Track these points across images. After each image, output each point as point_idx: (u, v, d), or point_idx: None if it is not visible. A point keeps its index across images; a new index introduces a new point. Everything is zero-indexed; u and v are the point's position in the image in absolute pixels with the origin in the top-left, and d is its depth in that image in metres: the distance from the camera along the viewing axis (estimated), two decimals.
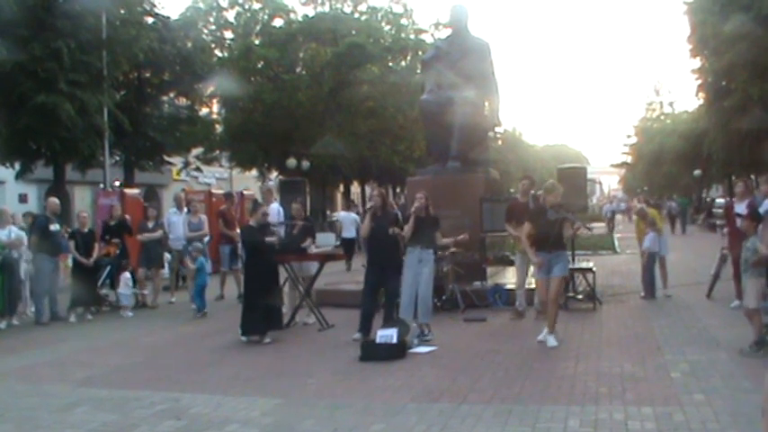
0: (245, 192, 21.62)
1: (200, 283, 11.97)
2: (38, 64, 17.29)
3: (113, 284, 12.76)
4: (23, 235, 11.78)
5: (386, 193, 10.33)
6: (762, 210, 9.20)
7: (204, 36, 32.58)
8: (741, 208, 9.78)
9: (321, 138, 29.58)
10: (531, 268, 10.29)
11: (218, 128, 32.45)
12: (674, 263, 13.35)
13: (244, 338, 9.26)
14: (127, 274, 12.55)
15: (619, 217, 44.32)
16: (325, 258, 10.32)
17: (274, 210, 9.96)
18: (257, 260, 9.32)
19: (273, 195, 12.15)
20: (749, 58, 22.22)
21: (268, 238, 9.50)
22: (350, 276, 15.32)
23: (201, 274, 12.02)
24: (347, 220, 20.77)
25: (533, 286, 10.01)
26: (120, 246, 12.88)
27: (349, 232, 20.19)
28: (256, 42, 32.80)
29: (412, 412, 5.75)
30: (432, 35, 35.91)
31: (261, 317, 9.12)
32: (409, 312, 8.82)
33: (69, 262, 12.78)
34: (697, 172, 42.89)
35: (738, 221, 9.45)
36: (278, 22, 34.79)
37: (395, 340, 7.90)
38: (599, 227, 34.00)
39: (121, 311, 12.24)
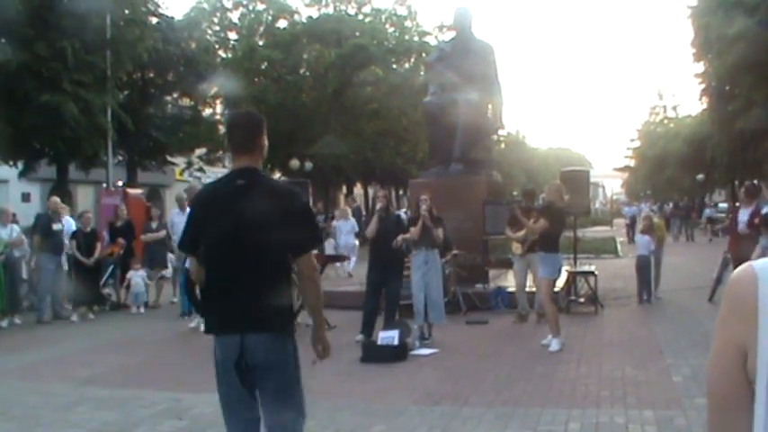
0: None
1: (184, 282, 11.84)
2: (42, 63, 17.31)
3: (115, 284, 12.79)
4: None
5: (389, 195, 10.31)
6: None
7: (208, 37, 32.56)
8: (745, 215, 9.76)
9: (324, 139, 29.55)
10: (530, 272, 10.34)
11: (222, 128, 32.45)
12: (677, 267, 13.35)
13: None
14: (142, 272, 12.53)
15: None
16: (326, 260, 10.31)
17: None
18: None
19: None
20: (753, 62, 22.19)
21: None
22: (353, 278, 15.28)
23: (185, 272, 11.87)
24: (345, 228, 17.68)
25: (533, 289, 10.01)
26: (126, 246, 12.91)
27: (348, 239, 17.41)
28: (260, 43, 32.77)
29: (413, 414, 5.76)
30: (436, 37, 35.82)
31: None
32: (422, 316, 8.83)
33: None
34: (700, 176, 42.84)
35: (740, 226, 9.49)
36: (282, 24, 34.76)
37: (396, 342, 7.92)
38: (603, 231, 33.98)
39: (133, 309, 12.30)
